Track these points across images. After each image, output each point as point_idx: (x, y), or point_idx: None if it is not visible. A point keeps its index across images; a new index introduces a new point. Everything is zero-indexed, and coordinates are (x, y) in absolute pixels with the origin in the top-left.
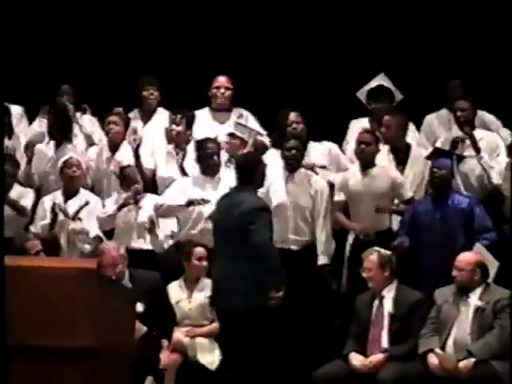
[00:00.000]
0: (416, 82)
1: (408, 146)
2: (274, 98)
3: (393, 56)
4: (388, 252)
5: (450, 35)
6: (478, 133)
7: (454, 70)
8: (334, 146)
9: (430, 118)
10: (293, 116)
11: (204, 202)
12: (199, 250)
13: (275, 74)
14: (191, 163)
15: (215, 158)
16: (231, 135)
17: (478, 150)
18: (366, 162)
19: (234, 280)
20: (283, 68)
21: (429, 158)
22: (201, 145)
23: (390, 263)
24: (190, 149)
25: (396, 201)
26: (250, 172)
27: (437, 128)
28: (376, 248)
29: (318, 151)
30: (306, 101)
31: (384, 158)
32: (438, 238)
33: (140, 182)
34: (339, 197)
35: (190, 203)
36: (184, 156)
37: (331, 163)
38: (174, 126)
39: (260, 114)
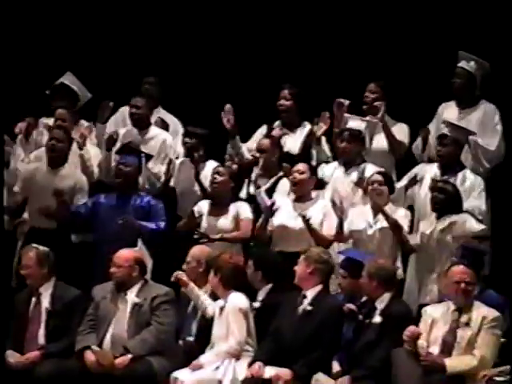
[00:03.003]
0: None
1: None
2: None
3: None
4: (46, 249)
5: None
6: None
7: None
8: None
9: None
10: None
11: None
12: None
13: None
14: None
15: None
16: None
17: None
18: (55, 159)
19: None
20: None
21: (117, 153)
22: None
23: (48, 260)
24: None
25: None
26: None
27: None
28: (34, 245)
29: None
30: None
31: None
32: (116, 233)
33: None
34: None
35: None
36: None
37: None
38: None
39: None
